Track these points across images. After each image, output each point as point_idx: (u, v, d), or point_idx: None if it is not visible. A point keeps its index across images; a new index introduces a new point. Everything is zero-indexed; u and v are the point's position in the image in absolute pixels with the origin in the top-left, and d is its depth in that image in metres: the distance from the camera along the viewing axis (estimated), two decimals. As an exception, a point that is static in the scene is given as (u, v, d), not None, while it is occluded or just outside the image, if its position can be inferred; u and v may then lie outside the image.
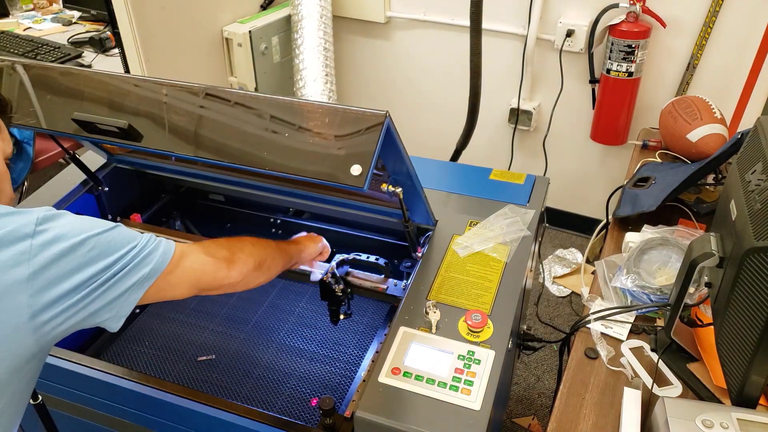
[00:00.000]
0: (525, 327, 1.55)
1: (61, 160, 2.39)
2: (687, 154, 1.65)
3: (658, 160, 1.72)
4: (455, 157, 2.38)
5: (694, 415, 0.89)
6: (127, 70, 2.22)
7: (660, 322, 1.21)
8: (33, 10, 3.15)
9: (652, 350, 1.15)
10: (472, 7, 1.92)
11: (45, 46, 2.61)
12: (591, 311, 1.23)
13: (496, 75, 2.62)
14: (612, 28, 2.27)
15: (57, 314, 0.79)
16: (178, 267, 0.92)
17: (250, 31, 2.50)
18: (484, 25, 2.00)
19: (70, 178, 1.53)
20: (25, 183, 2.35)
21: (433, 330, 1.10)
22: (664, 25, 2.23)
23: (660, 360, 1.11)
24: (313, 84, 2.49)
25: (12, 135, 2.14)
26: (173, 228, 1.72)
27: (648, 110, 2.45)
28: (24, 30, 2.89)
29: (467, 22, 1.97)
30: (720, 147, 1.47)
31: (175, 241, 0.94)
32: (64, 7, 3.10)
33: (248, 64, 2.57)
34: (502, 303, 1.16)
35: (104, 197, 1.55)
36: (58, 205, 1.44)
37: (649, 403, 1.01)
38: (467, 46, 2.02)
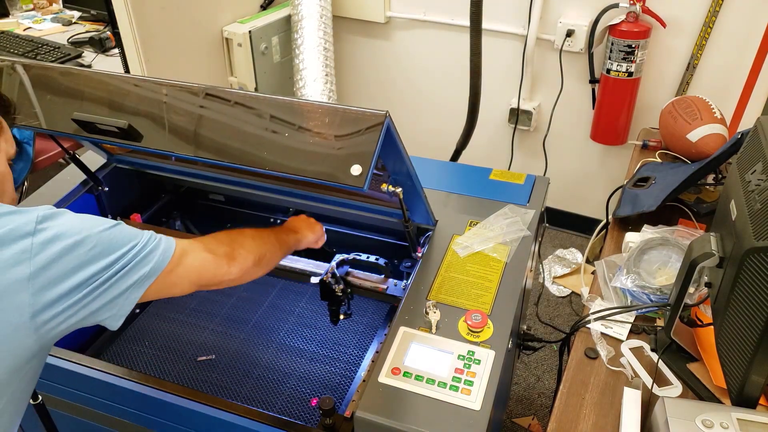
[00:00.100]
0: (525, 327, 1.55)
1: (61, 160, 2.39)
2: (687, 154, 1.65)
3: (658, 160, 1.72)
4: (455, 157, 2.38)
5: (694, 415, 0.89)
6: (127, 70, 2.22)
7: (660, 322, 1.21)
8: (33, 10, 3.15)
9: (652, 350, 1.15)
10: (472, 7, 1.92)
11: (45, 46, 2.60)
12: (591, 311, 1.23)
13: (496, 75, 2.62)
14: (612, 28, 2.27)
15: (58, 313, 0.79)
16: (180, 265, 0.92)
17: (250, 31, 2.50)
18: (484, 25, 2.00)
19: (70, 178, 1.53)
20: (26, 183, 2.35)
21: (433, 330, 1.10)
22: (664, 25, 2.23)
23: (660, 360, 1.11)
24: (313, 84, 2.49)
25: (13, 135, 2.14)
26: (173, 228, 1.72)
27: (648, 110, 2.45)
28: (24, 30, 2.89)
29: (467, 22, 1.97)
30: (720, 147, 1.47)
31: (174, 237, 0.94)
32: (64, 7, 3.10)
33: (248, 64, 2.57)
34: (502, 303, 1.16)
35: (104, 197, 1.55)
36: (59, 205, 1.43)
37: (649, 403, 1.01)
38: (467, 46, 2.02)
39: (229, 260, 1.01)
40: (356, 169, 0.94)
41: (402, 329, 1.11)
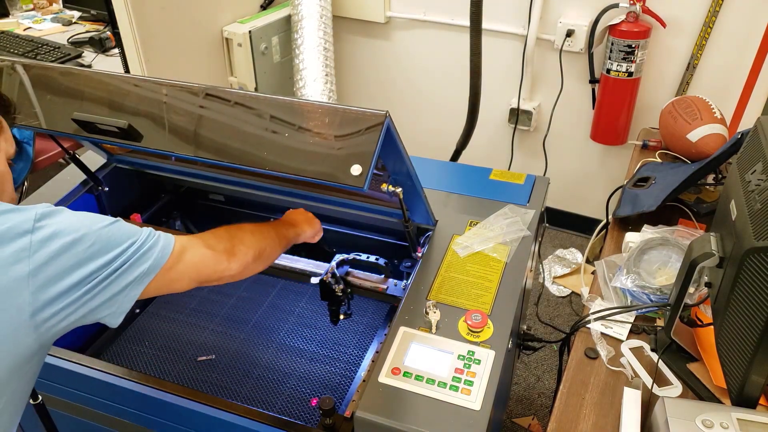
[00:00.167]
0: (525, 327, 1.55)
1: (61, 160, 2.39)
2: (687, 154, 1.65)
3: (658, 160, 1.72)
4: (455, 157, 2.38)
5: (694, 415, 0.89)
6: (127, 70, 2.22)
7: (660, 322, 1.21)
8: (33, 10, 3.15)
9: (652, 350, 1.15)
10: (472, 7, 1.92)
11: (45, 46, 2.60)
12: (591, 311, 1.23)
13: (496, 75, 2.62)
14: (612, 28, 2.27)
15: (58, 311, 0.79)
16: (180, 261, 0.91)
17: (250, 31, 2.50)
18: (484, 25, 2.00)
19: (70, 178, 1.53)
20: (26, 183, 2.35)
21: (433, 330, 1.10)
22: (664, 25, 2.23)
23: (660, 360, 1.11)
24: (313, 84, 2.49)
25: (13, 135, 2.14)
26: (173, 228, 1.72)
27: (648, 110, 2.45)
28: (24, 30, 2.89)
29: (467, 22, 1.97)
30: (720, 147, 1.47)
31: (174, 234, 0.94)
32: (64, 7, 3.10)
33: (248, 64, 2.57)
34: (502, 303, 1.16)
35: (104, 197, 1.55)
36: (59, 205, 1.44)
37: (649, 403, 1.01)
38: (467, 46, 2.02)
39: (229, 256, 1.01)
40: (356, 169, 0.94)
41: (402, 329, 1.11)
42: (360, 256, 1.35)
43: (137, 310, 1.57)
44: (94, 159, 1.56)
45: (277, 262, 1.41)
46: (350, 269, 1.38)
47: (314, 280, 1.34)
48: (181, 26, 2.34)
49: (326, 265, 1.37)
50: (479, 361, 1.04)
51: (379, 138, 0.95)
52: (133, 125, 1.07)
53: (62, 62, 2.52)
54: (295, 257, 1.48)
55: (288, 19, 2.64)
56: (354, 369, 1.39)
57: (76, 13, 3.03)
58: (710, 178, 1.57)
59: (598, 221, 1.98)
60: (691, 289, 1.05)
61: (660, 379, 1.09)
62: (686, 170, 1.50)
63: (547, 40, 2.48)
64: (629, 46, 2.23)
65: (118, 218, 0.88)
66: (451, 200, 1.45)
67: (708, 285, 1.06)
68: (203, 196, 1.74)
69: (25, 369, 0.82)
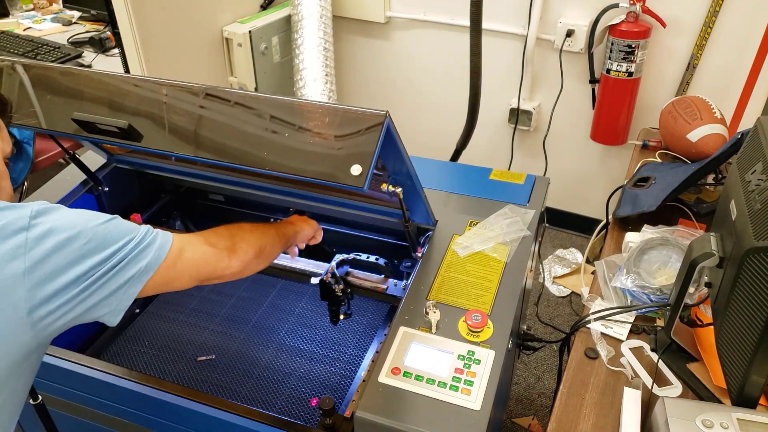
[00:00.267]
0: (525, 327, 1.55)
1: (61, 160, 2.39)
2: (687, 154, 1.65)
3: (658, 160, 1.72)
4: (455, 157, 2.38)
5: (694, 415, 0.89)
6: (127, 70, 2.22)
7: (660, 322, 1.20)
8: (33, 10, 3.15)
9: (652, 350, 1.15)
10: (472, 7, 1.92)
11: (45, 46, 2.60)
12: (591, 311, 1.23)
13: (496, 75, 2.62)
14: (612, 28, 2.27)
15: (55, 309, 0.79)
16: (179, 259, 0.91)
17: (250, 31, 2.50)
18: (484, 25, 2.00)
19: (70, 178, 1.53)
20: (25, 183, 2.35)
21: (433, 330, 1.10)
22: (664, 25, 2.23)
23: (660, 360, 1.11)
24: (313, 84, 2.49)
25: (12, 135, 2.14)
26: (173, 228, 1.72)
27: (648, 110, 2.45)
28: (24, 30, 2.89)
29: (467, 22, 1.97)
30: (720, 147, 1.47)
31: (173, 233, 0.94)
32: (64, 7, 3.10)
33: (248, 64, 2.57)
34: (502, 303, 1.16)
35: (104, 197, 1.55)
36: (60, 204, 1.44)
37: (649, 403, 1.01)
38: (467, 46, 2.02)
39: (230, 253, 1.01)
40: (356, 169, 0.94)
41: (402, 329, 1.11)
42: (360, 256, 1.35)
43: (137, 310, 1.57)
44: (94, 159, 1.56)
45: (276, 261, 1.41)
46: (350, 269, 1.38)
47: (314, 280, 1.34)
48: (181, 26, 2.34)
49: (326, 265, 1.37)
50: (479, 361, 1.04)
51: (379, 138, 0.95)
52: (133, 125, 1.07)
53: (62, 62, 2.52)
54: (296, 257, 1.48)
55: (288, 19, 2.64)
56: (354, 369, 1.39)
57: (76, 13, 3.03)
58: (710, 178, 1.57)
59: (598, 221, 1.98)
60: (691, 289, 1.05)
61: (660, 379, 1.09)
62: (686, 170, 1.50)
63: (547, 40, 2.48)
64: (629, 46, 2.23)
65: (116, 216, 0.87)
66: (451, 200, 1.45)
67: (708, 285, 1.06)
68: (203, 196, 1.74)
69: (23, 367, 0.82)
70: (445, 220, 1.36)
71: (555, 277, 2.67)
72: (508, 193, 1.46)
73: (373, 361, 1.07)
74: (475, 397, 0.99)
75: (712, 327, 1.06)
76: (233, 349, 1.46)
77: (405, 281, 1.35)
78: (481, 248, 1.28)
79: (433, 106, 2.93)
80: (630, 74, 2.29)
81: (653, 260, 1.28)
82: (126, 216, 1.56)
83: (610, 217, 1.56)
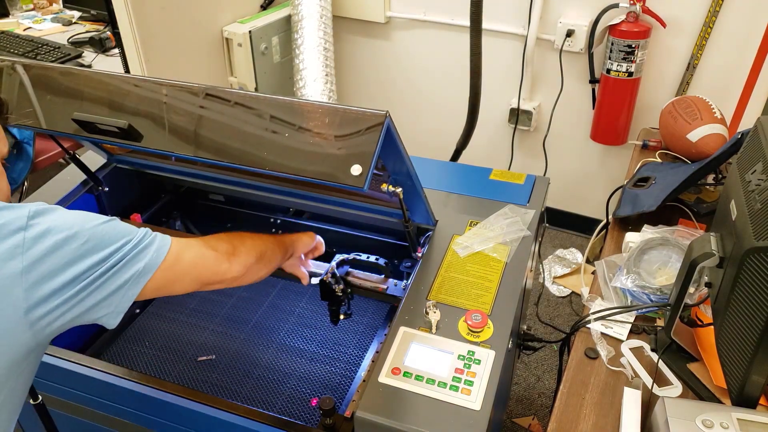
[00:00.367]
0: (525, 327, 1.55)
1: (61, 160, 2.39)
2: (687, 154, 1.65)
3: (658, 160, 1.72)
4: (455, 157, 2.38)
5: (694, 415, 0.89)
6: (127, 70, 2.22)
7: (660, 322, 1.21)
8: (33, 10, 3.15)
9: (652, 350, 1.15)
10: (472, 7, 1.92)
11: (45, 46, 2.60)
12: (591, 311, 1.23)
13: (496, 75, 2.62)
14: (612, 28, 2.27)
15: (52, 309, 0.79)
16: (179, 261, 0.91)
17: (250, 31, 2.50)
18: (484, 25, 2.00)
19: (70, 178, 1.53)
20: (25, 183, 2.35)
21: (433, 330, 1.10)
22: (664, 25, 2.23)
23: (660, 360, 1.11)
24: (313, 84, 2.49)
25: (12, 135, 2.14)
26: (173, 228, 1.72)
27: (648, 110, 2.45)
28: (24, 30, 2.89)
29: (467, 22, 1.97)
30: (720, 147, 1.47)
31: (175, 237, 0.94)
32: (64, 7, 3.10)
33: (248, 64, 2.57)
34: (502, 303, 1.16)
35: (104, 197, 1.55)
36: (58, 205, 1.44)
37: (649, 403, 1.01)
38: (467, 46, 2.02)
39: (230, 256, 1.01)
40: (356, 169, 0.94)
41: (402, 329, 1.11)
42: (360, 256, 1.35)
43: (137, 310, 1.57)
44: (94, 159, 1.56)
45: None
46: (350, 269, 1.38)
47: (314, 280, 1.34)
48: (181, 26, 2.34)
49: (326, 265, 1.37)
50: (479, 361, 1.04)
51: (379, 138, 0.95)
52: (133, 125, 1.07)
53: (62, 62, 2.52)
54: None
55: (288, 19, 2.64)
56: (354, 369, 1.39)
57: (76, 13, 3.03)
58: (710, 178, 1.57)
59: (598, 221, 1.98)
60: (691, 289, 1.05)
61: (660, 379, 1.09)
62: (686, 170, 1.50)
63: (547, 40, 2.48)
64: (629, 46, 2.23)
65: (114, 217, 0.88)
66: (451, 200, 1.45)
67: (708, 285, 1.06)
68: (203, 196, 1.74)
69: (23, 367, 0.82)
70: (445, 220, 1.36)
71: (555, 277, 2.67)
72: (508, 193, 1.46)
73: (373, 361, 1.07)
74: (475, 397, 0.99)
75: (712, 327, 1.06)
76: (233, 349, 1.46)
77: (405, 281, 1.35)
78: (481, 248, 1.28)
79: (433, 106, 2.93)
80: (630, 74, 2.29)
81: (653, 260, 1.28)
82: (126, 216, 1.57)
83: (610, 217, 1.56)
